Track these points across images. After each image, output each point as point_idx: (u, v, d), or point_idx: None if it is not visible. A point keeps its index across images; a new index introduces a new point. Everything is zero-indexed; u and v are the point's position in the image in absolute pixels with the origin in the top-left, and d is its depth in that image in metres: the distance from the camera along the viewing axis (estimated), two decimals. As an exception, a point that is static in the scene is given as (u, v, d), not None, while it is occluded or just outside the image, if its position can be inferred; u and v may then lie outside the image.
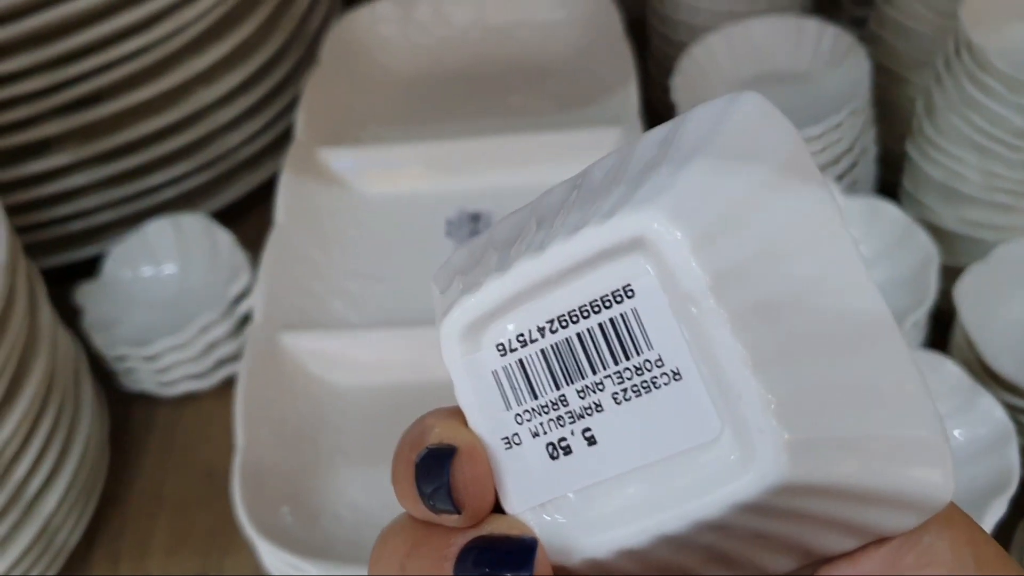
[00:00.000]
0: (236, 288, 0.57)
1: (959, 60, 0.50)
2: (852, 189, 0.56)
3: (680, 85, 0.56)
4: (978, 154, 0.50)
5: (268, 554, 0.41)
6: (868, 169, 0.57)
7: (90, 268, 0.62)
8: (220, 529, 0.56)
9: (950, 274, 0.51)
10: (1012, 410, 0.46)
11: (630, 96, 0.57)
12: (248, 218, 0.66)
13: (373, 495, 0.45)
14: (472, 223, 0.56)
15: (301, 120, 0.58)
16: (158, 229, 0.61)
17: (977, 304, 0.47)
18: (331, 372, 0.49)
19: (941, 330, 0.50)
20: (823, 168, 0.54)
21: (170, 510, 0.57)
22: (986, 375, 0.45)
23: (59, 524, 0.52)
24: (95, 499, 0.55)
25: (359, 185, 0.58)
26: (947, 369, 0.40)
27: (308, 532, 0.43)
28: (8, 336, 0.45)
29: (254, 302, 0.50)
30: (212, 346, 0.57)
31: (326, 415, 0.48)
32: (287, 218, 0.54)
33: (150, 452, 0.60)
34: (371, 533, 0.43)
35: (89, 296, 0.60)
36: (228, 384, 0.61)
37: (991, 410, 0.38)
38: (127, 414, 0.61)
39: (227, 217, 0.64)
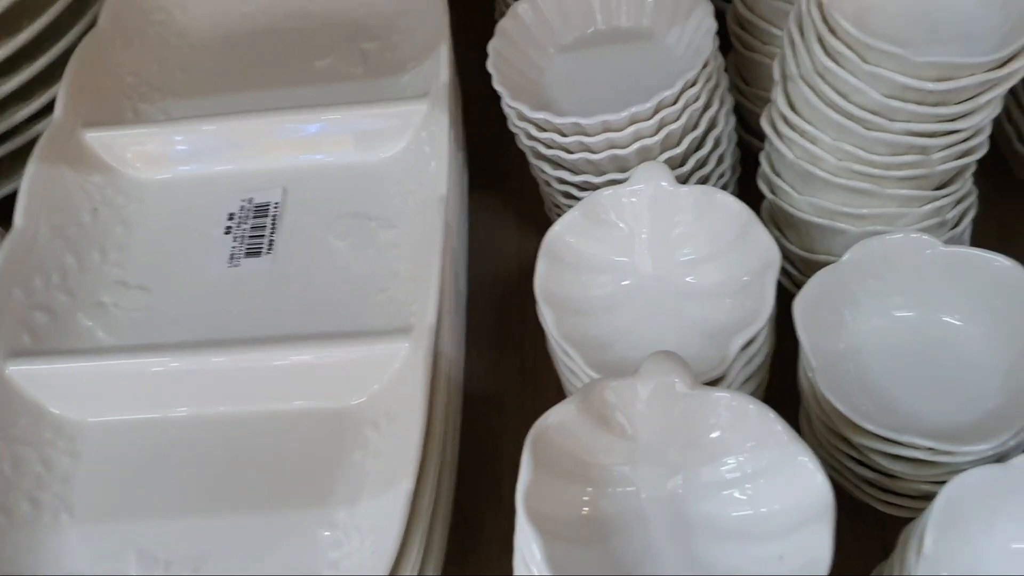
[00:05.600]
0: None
1: (811, 22, 0.41)
2: (717, 164, 0.49)
3: (499, 49, 0.47)
4: (833, 131, 0.42)
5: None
6: (725, 147, 0.49)
7: None
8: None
9: (811, 268, 0.44)
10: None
11: (440, 64, 0.48)
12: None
13: (97, 561, 0.38)
14: (257, 216, 0.48)
15: (62, 97, 0.49)
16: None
17: (819, 322, 0.40)
18: (67, 407, 0.42)
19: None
20: (662, 152, 0.46)
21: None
22: (834, 413, 0.38)
23: None
24: None
25: (131, 172, 0.50)
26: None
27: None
28: None
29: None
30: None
31: (51, 455, 0.41)
32: (27, 220, 0.45)
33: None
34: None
35: None
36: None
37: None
38: None
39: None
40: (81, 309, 0.45)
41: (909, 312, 0.42)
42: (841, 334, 0.41)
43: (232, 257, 0.46)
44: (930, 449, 0.37)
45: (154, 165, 0.50)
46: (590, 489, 0.33)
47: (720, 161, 0.50)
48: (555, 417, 0.33)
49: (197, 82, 0.54)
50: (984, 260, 0.40)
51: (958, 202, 0.45)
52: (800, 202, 0.46)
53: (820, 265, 0.43)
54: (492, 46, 0.47)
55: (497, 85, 0.46)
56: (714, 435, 0.33)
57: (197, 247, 0.47)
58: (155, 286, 0.46)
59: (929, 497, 0.34)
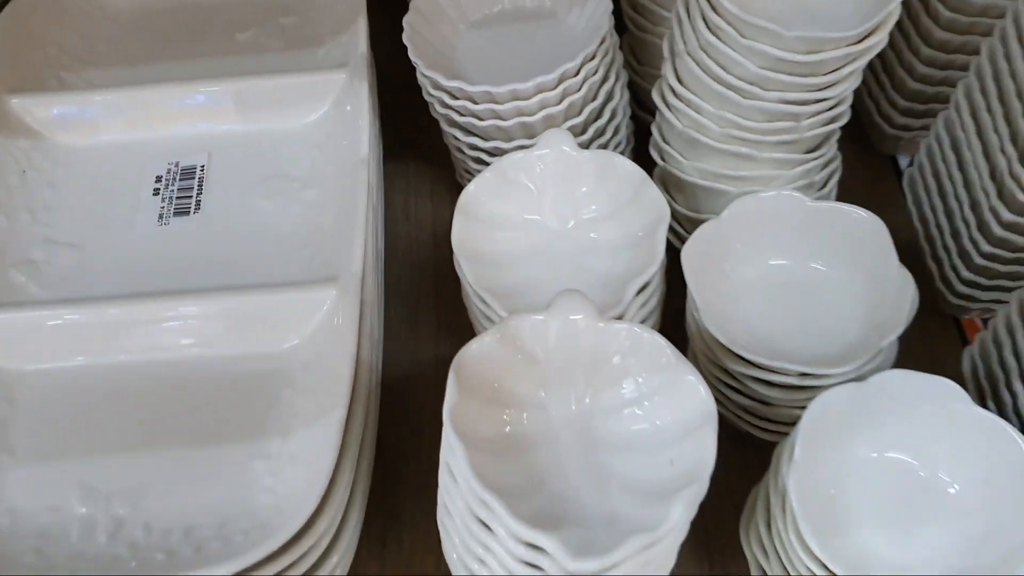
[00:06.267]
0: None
1: (696, 1, 0.46)
2: (614, 134, 0.53)
3: (413, 23, 0.51)
4: (715, 101, 0.47)
5: None
6: (619, 118, 0.54)
7: None
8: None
9: (697, 226, 0.49)
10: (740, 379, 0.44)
11: (358, 37, 0.51)
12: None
13: (39, 497, 0.40)
14: (184, 178, 0.50)
15: (-13, 63, 0.51)
16: None
17: (704, 266, 0.45)
18: (2, 357, 0.43)
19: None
20: (566, 119, 0.50)
21: None
22: (716, 345, 0.43)
23: None
24: None
25: (57, 137, 0.51)
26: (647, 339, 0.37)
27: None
28: None
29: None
30: None
31: (-9, 405, 0.42)
32: (-43, 180, 0.47)
33: None
34: (28, 544, 0.39)
35: None
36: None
37: (695, 387, 0.36)
38: None
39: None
40: (13, 266, 0.46)
41: (782, 261, 0.47)
42: (723, 281, 0.46)
43: (161, 217, 0.48)
44: (800, 374, 0.42)
45: (78, 131, 0.51)
46: (508, 411, 0.37)
47: (616, 131, 0.54)
48: (475, 346, 0.36)
49: (119, 54, 0.55)
50: (844, 212, 0.46)
51: (825, 165, 0.51)
52: (687, 167, 0.51)
53: (700, 223, 0.48)
54: (407, 20, 0.51)
55: (413, 57, 0.49)
56: (615, 360, 0.38)
57: (125, 208, 0.49)
58: (86, 244, 0.48)
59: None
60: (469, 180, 0.52)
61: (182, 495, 0.40)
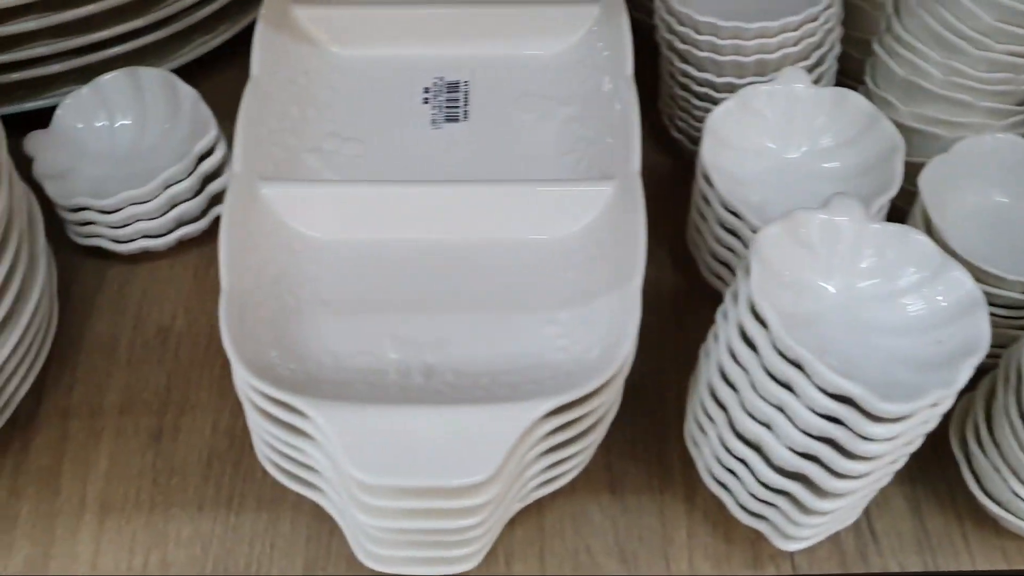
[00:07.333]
0: (202, 144, 0.55)
1: (932, -42, 0.51)
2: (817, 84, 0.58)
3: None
4: (942, 50, 0.52)
5: (254, 395, 0.41)
6: (832, 66, 0.59)
7: (41, 122, 0.60)
8: (175, 387, 0.55)
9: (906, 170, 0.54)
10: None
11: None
12: (206, 79, 0.64)
13: (351, 343, 0.45)
14: (450, 91, 0.55)
15: (275, -28, 0.56)
16: (114, 81, 0.58)
17: (936, 192, 0.50)
18: (307, 225, 0.49)
19: (898, 218, 0.53)
20: (795, 60, 0.55)
21: (122, 368, 0.56)
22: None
23: (9, 375, 0.50)
24: (44, 354, 0.54)
25: (333, 46, 0.57)
26: (914, 239, 0.42)
27: (294, 373, 0.43)
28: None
29: (234, 152, 0.49)
30: (174, 203, 0.56)
31: (303, 265, 0.48)
32: (262, 71, 0.52)
33: (100, 309, 0.58)
34: (351, 377, 0.44)
35: (39, 145, 0.57)
36: (184, 245, 0.60)
37: (961, 279, 0.41)
38: (76, 268, 0.59)
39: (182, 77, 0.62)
40: (306, 151, 0.52)
41: (1003, 199, 0.52)
42: (949, 210, 0.51)
43: (433, 121, 0.54)
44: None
45: (351, 43, 0.57)
46: (787, 293, 0.42)
47: (823, 77, 0.59)
48: (768, 231, 0.41)
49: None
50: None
51: (1033, 117, 0.56)
52: (903, 112, 0.56)
53: (913, 167, 0.53)
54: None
55: (659, -7, 0.55)
56: (887, 254, 0.42)
57: (399, 111, 0.54)
58: (367, 139, 0.53)
59: None
60: (679, 123, 0.58)
61: (482, 349, 0.45)
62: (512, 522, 0.48)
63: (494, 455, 0.37)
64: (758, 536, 0.47)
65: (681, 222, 0.58)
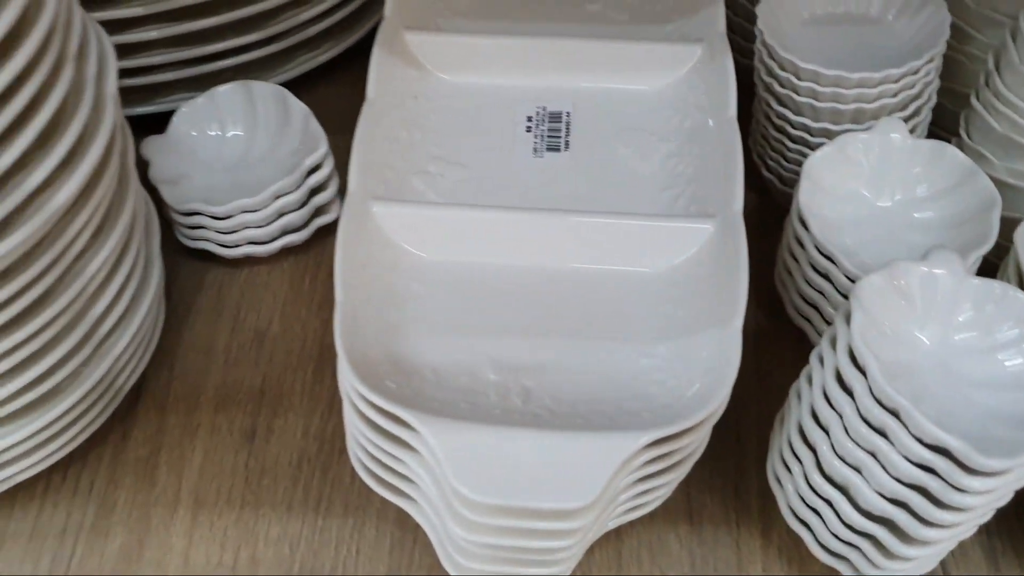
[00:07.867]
0: (312, 159, 0.58)
1: (1038, 19, 0.52)
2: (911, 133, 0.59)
3: (763, 12, 0.58)
4: (1043, 110, 0.53)
5: (363, 404, 0.43)
6: (926, 117, 0.60)
7: (154, 127, 0.62)
8: (268, 390, 0.57)
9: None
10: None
11: (714, 17, 0.58)
12: (307, 94, 0.66)
13: (452, 362, 0.47)
14: (552, 121, 0.57)
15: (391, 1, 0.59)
16: (229, 92, 0.61)
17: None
18: (414, 244, 0.51)
19: (988, 272, 0.53)
20: (892, 110, 0.56)
21: (219, 368, 0.58)
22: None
23: (121, 368, 0.52)
24: (151, 350, 0.56)
25: (441, 72, 0.59)
26: (1013, 295, 0.43)
27: (400, 388, 0.44)
28: (110, 168, 0.46)
29: (350, 171, 0.51)
30: (281, 213, 0.58)
31: (408, 284, 0.49)
32: (376, 93, 0.54)
33: (200, 309, 0.60)
34: (453, 396, 0.45)
35: (155, 150, 0.60)
36: (282, 253, 0.62)
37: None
38: (178, 268, 0.61)
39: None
40: (413, 174, 0.54)
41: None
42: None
43: (535, 150, 0.55)
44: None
45: (458, 69, 0.59)
46: (882, 342, 0.43)
47: (917, 128, 0.60)
48: (869, 280, 0.42)
49: (484, 10, 0.62)
50: None
51: None
52: (998, 167, 0.56)
53: (1006, 222, 0.54)
54: (760, 8, 0.57)
55: (769, 39, 0.56)
56: (986, 309, 0.43)
57: (502, 139, 0.56)
58: (471, 164, 0.55)
59: None
60: (770, 162, 0.59)
61: (579, 376, 0.46)
62: (591, 547, 0.49)
63: (596, 482, 0.39)
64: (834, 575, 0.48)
65: (765, 259, 0.59)
